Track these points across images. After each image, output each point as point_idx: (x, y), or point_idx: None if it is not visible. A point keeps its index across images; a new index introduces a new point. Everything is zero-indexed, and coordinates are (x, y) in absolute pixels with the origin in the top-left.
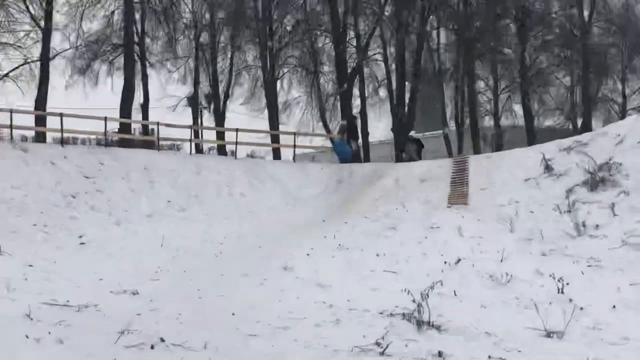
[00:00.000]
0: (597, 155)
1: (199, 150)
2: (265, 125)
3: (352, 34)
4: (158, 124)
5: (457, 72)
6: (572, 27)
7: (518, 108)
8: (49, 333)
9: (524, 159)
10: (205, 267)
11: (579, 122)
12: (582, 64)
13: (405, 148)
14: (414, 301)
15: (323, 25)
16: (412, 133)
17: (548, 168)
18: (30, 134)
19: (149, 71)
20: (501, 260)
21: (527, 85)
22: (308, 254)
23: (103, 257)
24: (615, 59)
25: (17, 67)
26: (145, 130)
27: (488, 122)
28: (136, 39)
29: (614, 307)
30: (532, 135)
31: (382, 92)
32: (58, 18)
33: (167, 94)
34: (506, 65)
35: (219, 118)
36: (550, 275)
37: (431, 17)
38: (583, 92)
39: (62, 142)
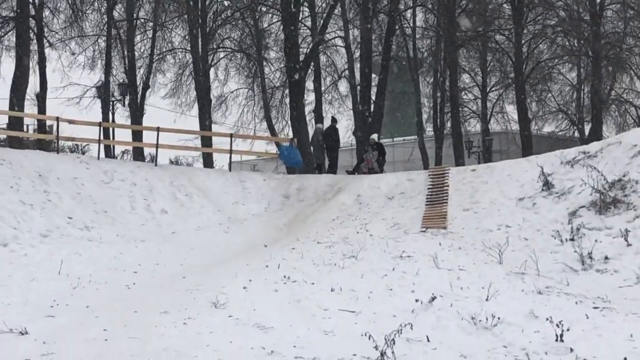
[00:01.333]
0: (609, 170)
1: (109, 154)
2: (194, 124)
3: (306, 11)
4: (58, 119)
5: (436, 62)
6: (580, 10)
7: (511, 109)
8: None
9: (517, 173)
10: (114, 301)
11: (587, 128)
12: (592, 57)
13: (364, 156)
14: (376, 348)
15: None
16: (374, 137)
17: (547, 185)
18: None
19: (48, 52)
20: (487, 299)
21: (523, 81)
22: (245, 287)
23: None
24: (633, 50)
25: None
26: (41, 127)
27: (474, 126)
28: (32, 10)
29: (625, 359)
30: (529, 144)
31: (343, 86)
32: None
33: (71, 82)
34: (498, 55)
35: (136, 114)
36: (547, 319)
37: None
38: (592, 92)
39: None
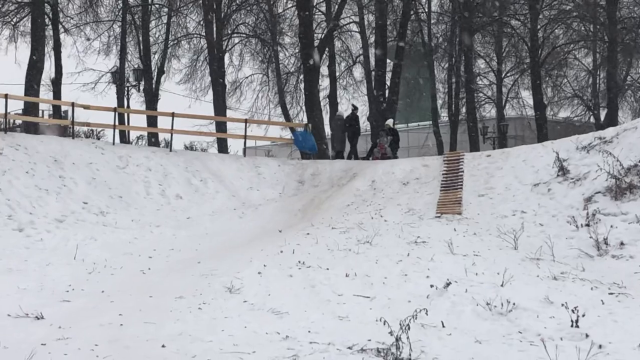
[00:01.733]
0: (624, 155)
1: (124, 139)
2: (209, 109)
3: None
4: (73, 104)
5: (451, 48)
6: None
7: (527, 95)
8: None
9: (532, 159)
10: (130, 286)
11: (602, 114)
12: (608, 41)
13: (378, 140)
14: (391, 333)
15: None
16: (389, 122)
17: (563, 170)
18: None
19: (64, 38)
20: (502, 285)
21: (538, 66)
22: (259, 273)
23: (0, 271)
24: None
25: None
26: (56, 112)
27: (489, 111)
28: None
29: None
30: (544, 129)
31: (358, 72)
32: None
33: (86, 68)
34: (513, 41)
35: (151, 99)
36: (563, 305)
37: None
38: (608, 77)
39: None
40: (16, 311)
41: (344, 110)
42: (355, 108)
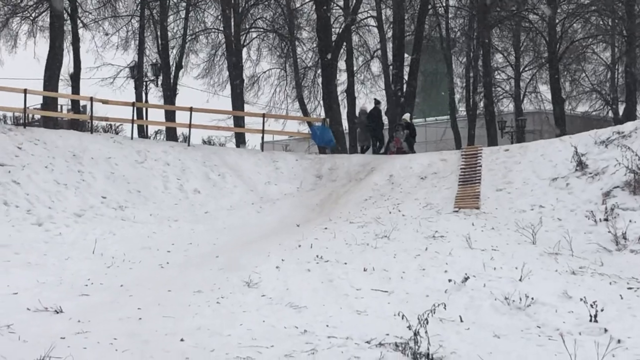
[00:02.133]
0: None
1: (142, 133)
2: (227, 104)
3: None
4: (92, 99)
5: (469, 42)
6: None
7: (545, 89)
8: None
9: (551, 153)
10: (148, 280)
11: (621, 108)
12: (626, 36)
13: (394, 134)
14: (409, 328)
15: None
16: (406, 116)
17: (581, 165)
18: None
19: (82, 33)
20: (520, 279)
21: (556, 61)
22: (277, 267)
23: (19, 266)
24: None
25: None
26: (75, 107)
27: (507, 106)
28: None
29: None
30: (562, 124)
31: (375, 66)
32: None
33: (104, 63)
34: (531, 35)
35: (169, 94)
36: (581, 299)
37: None
38: (626, 71)
39: None
40: (35, 305)
41: (366, 104)
42: (378, 102)
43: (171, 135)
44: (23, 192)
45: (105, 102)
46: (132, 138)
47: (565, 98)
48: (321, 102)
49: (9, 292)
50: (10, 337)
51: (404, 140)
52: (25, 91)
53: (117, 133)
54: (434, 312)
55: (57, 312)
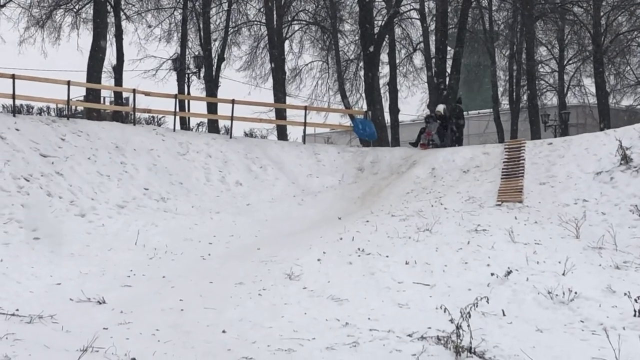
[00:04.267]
0: None
1: (185, 125)
2: (268, 96)
3: None
4: (134, 91)
5: (512, 35)
6: None
7: (589, 83)
8: None
9: (595, 147)
10: (190, 272)
11: None
12: None
13: (426, 127)
14: (451, 321)
15: None
16: (440, 108)
17: (625, 159)
18: None
19: (125, 25)
20: (563, 274)
21: (601, 54)
22: (319, 260)
23: (62, 256)
24: None
25: None
26: (118, 99)
27: (550, 99)
28: None
29: None
30: (606, 117)
31: (418, 59)
32: None
33: (147, 55)
34: (575, 28)
35: (211, 86)
36: (625, 294)
37: None
38: None
39: (14, 111)
40: (78, 295)
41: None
42: (459, 101)
43: (213, 127)
44: (66, 184)
45: (147, 94)
46: (174, 130)
47: (610, 91)
48: (363, 94)
49: (53, 283)
50: (54, 327)
51: (435, 133)
52: (68, 83)
53: (159, 125)
54: (477, 306)
55: (100, 303)
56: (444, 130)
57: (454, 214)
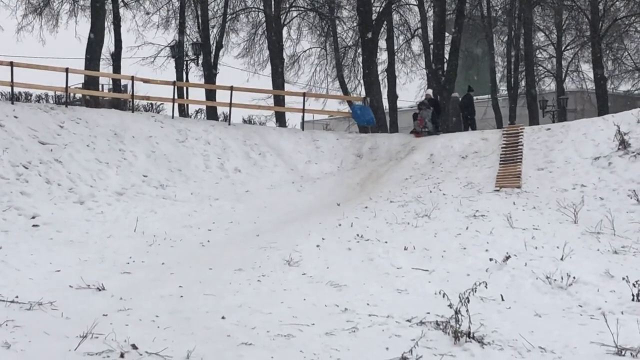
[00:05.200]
0: None
1: (183, 112)
2: (267, 83)
3: None
4: (133, 78)
5: (510, 20)
6: None
7: (587, 68)
8: None
9: (593, 132)
10: (189, 258)
11: None
12: None
13: (418, 114)
14: (450, 306)
15: None
16: (429, 92)
17: (624, 144)
18: None
19: (123, 12)
20: (561, 258)
21: (599, 39)
22: (318, 246)
23: (61, 244)
24: None
25: None
26: (116, 86)
27: (548, 85)
28: None
29: None
30: (604, 103)
31: (416, 45)
32: None
33: (145, 42)
34: (573, 13)
35: (210, 73)
36: (624, 279)
37: None
38: None
39: (12, 98)
40: (78, 282)
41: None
42: (470, 89)
43: (212, 114)
44: (65, 171)
45: (146, 81)
46: (172, 117)
47: (608, 77)
48: (361, 81)
49: (52, 270)
50: (54, 313)
51: (429, 120)
52: (66, 70)
53: (158, 112)
54: (475, 291)
55: (100, 290)
56: (437, 116)
57: (452, 199)
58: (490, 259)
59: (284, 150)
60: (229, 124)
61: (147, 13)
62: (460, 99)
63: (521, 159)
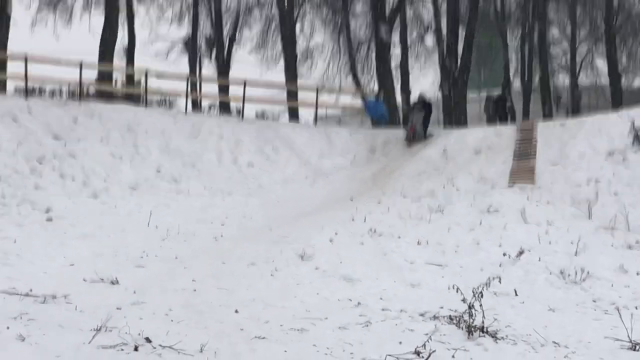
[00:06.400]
0: None
1: (196, 107)
2: (280, 78)
3: None
4: (146, 73)
5: (524, 15)
6: None
7: (601, 63)
8: (7, 328)
9: (607, 127)
10: (203, 252)
11: None
12: None
13: (410, 119)
14: (463, 301)
15: None
16: (423, 94)
17: (638, 139)
18: None
19: (137, 7)
20: (575, 254)
21: (613, 34)
22: (331, 240)
23: (75, 237)
24: None
25: None
26: (130, 80)
27: (563, 80)
28: None
29: None
30: (619, 98)
31: (429, 40)
32: None
33: (159, 37)
34: (588, 7)
35: (223, 68)
36: (638, 274)
37: None
38: None
39: (27, 92)
40: (92, 276)
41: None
42: (505, 88)
43: (225, 109)
44: (79, 165)
45: (160, 75)
46: (186, 112)
47: (622, 72)
48: (375, 76)
49: (66, 264)
50: (68, 307)
51: (420, 125)
52: (80, 64)
53: (171, 107)
54: (489, 286)
55: (113, 283)
56: (427, 120)
57: (465, 194)
58: (504, 254)
59: (297, 145)
60: (242, 119)
61: (161, 8)
62: (494, 99)
63: (535, 154)
